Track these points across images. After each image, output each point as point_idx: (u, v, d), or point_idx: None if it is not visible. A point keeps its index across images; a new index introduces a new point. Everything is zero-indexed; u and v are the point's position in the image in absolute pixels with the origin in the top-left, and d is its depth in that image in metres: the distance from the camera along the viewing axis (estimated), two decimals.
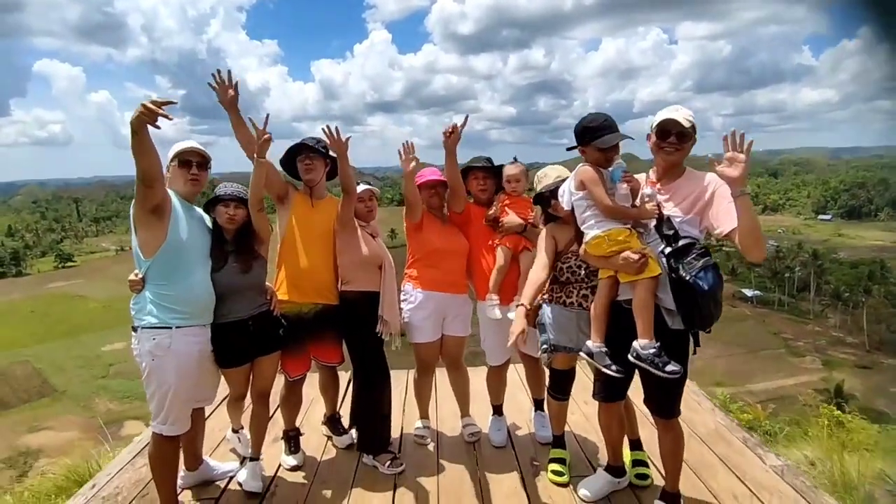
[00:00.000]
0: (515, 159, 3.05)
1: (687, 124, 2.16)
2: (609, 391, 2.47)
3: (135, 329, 2.34)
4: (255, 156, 2.53)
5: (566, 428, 2.99)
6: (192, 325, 2.39)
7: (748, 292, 77.70)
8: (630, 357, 2.22)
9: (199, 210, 2.64)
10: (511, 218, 2.95)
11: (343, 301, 2.94)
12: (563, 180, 2.47)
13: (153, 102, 1.97)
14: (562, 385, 2.79)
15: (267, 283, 2.77)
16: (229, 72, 2.56)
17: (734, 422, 3.46)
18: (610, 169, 2.26)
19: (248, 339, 2.62)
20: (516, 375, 3.86)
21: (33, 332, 65.65)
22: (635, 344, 2.20)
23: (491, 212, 3.02)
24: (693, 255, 2.13)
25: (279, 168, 2.94)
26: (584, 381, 3.21)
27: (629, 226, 2.25)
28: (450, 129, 2.75)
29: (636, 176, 2.37)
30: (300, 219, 2.88)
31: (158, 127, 2.01)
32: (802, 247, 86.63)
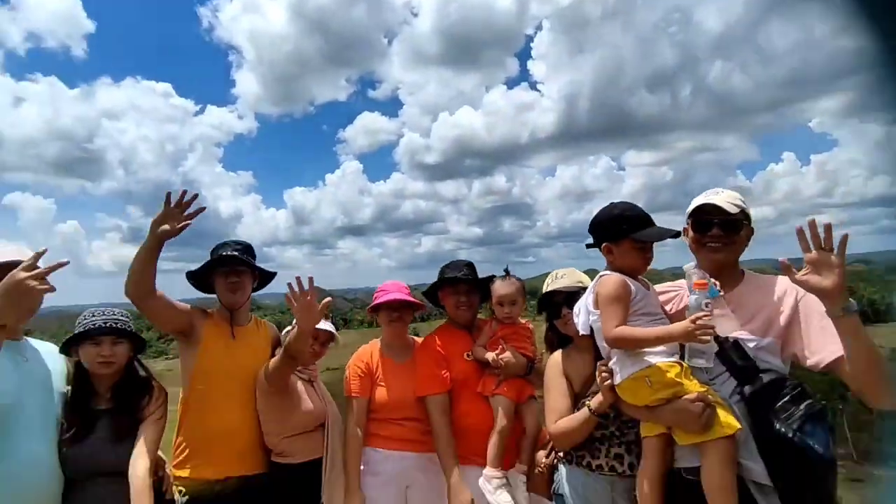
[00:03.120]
0: (508, 272, 2.29)
1: (733, 209, 1.61)
2: None
3: None
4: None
5: None
6: None
7: None
8: None
9: (38, 345, 1.87)
10: (510, 356, 2.17)
11: (275, 474, 2.10)
12: (584, 289, 1.83)
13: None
14: None
15: (159, 454, 1.91)
16: (201, 209, 1.90)
17: None
18: (707, 281, 1.54)
19: None
20: None
21: None
22: None
23: (479, 351, 2.25)
24: (787, 398, 1.46)
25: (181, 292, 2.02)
26: None
27: (677, 357, 1.59)
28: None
29: (674, 285, 1.79)
30: (215, 357, 2.10)
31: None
32: None
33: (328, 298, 1.95)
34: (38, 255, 1.39)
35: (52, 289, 1.41)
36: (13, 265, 1.68)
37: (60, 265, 1.43)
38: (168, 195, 1.84)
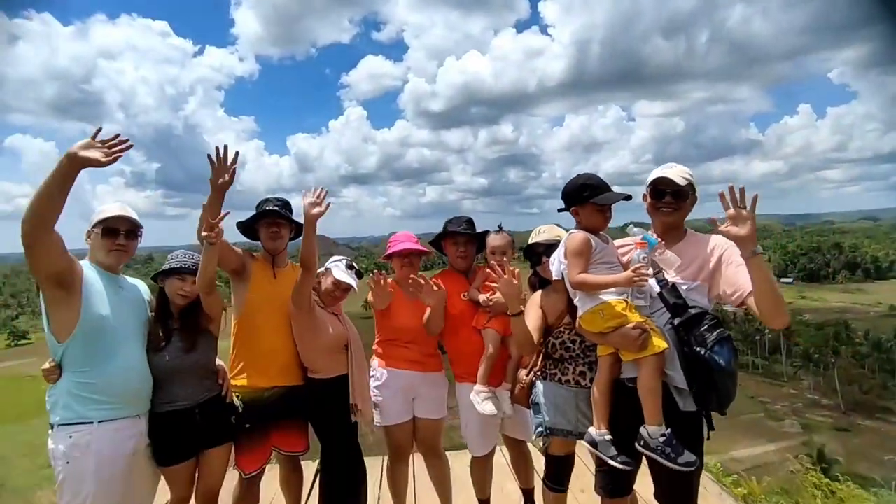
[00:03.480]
0: (501, 228, 2.79)
1: (682, 182, 2.05)
2: (614, 484, 2.16)
3: (52, 427, 1.96)
4: (206, 236, 2.13)
5: None
6: (120, 418, 2.04)
7: None
8: (637, 446, 1.95)
9: (132, 280, 2.36)
10: (499, 296, 2.63)
11: (311, 386, 2.62)
12: (559, 242, 2.28)
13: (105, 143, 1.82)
14: (560, 474, 2.46)
15: (219, 362, 2.44)
16: (236, 154, 2.16)
17: None
18: (644, 236, 2.01)
19: (193, 429, 2.25)
20: (503, 459, 3.48)
21: None
22: (643, 431, 1.94)
23: (473, 293, 2.75)
24: (705, 327, 1.93)
25: (232, 237, 2.60)
26: (578, 467, 2.87)
27: (625, 296, 2.05)
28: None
29: (627, 240, 2.22)
30: (260, 292, 2.59)
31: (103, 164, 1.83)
32: None
33: (330, 202, 2.40)
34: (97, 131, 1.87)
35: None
36: (119, 219, 2.14)
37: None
38: (209, 156, 2.14)
